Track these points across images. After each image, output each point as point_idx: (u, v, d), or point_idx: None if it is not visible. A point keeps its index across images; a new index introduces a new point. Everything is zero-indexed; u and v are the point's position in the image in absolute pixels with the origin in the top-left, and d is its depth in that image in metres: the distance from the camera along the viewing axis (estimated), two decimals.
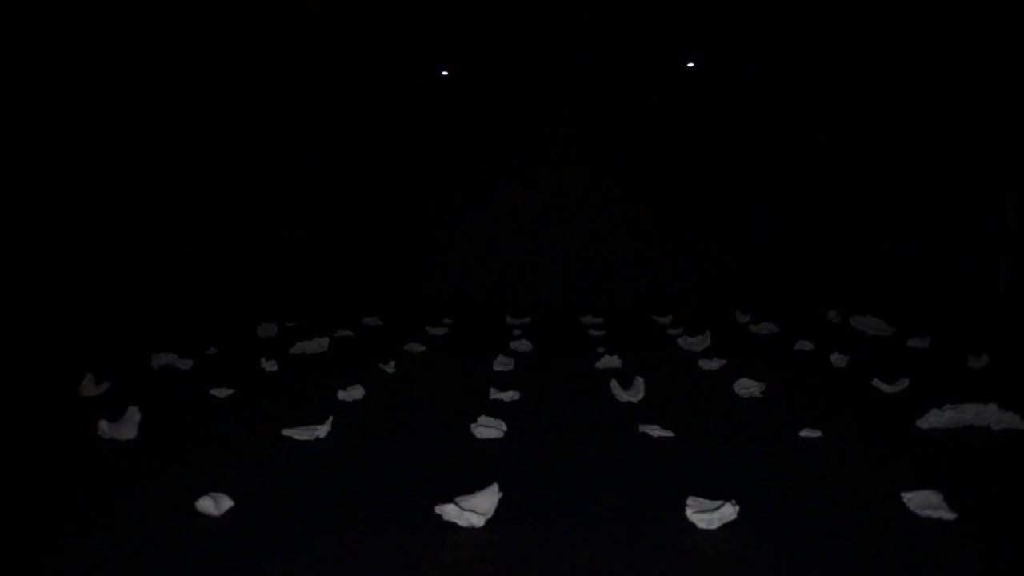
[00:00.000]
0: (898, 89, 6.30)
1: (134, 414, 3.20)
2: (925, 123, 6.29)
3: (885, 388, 3.64)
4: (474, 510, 2.15)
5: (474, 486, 2.30)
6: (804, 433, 2.96)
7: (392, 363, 4.43)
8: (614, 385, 3.64)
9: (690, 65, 6.39)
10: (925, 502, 2.20)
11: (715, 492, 2.28)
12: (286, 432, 3.07)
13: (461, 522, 2.13)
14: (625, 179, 7.03)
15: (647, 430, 3.03)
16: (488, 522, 2.15)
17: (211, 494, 2.30)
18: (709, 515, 2.09)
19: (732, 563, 1.93)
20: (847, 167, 6.69)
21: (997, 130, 5.49)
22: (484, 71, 6.85)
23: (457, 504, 2.15)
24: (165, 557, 2.01)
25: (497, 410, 3.39)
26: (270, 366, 4.44)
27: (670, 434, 2.99)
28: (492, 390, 3.69)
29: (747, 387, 3.64)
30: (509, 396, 3.62)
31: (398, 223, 7.25)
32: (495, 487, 2.22)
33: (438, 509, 2.17)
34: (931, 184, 6.33)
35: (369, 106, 7.07)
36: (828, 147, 6.73)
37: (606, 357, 4.39)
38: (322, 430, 3.06)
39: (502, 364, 4.39)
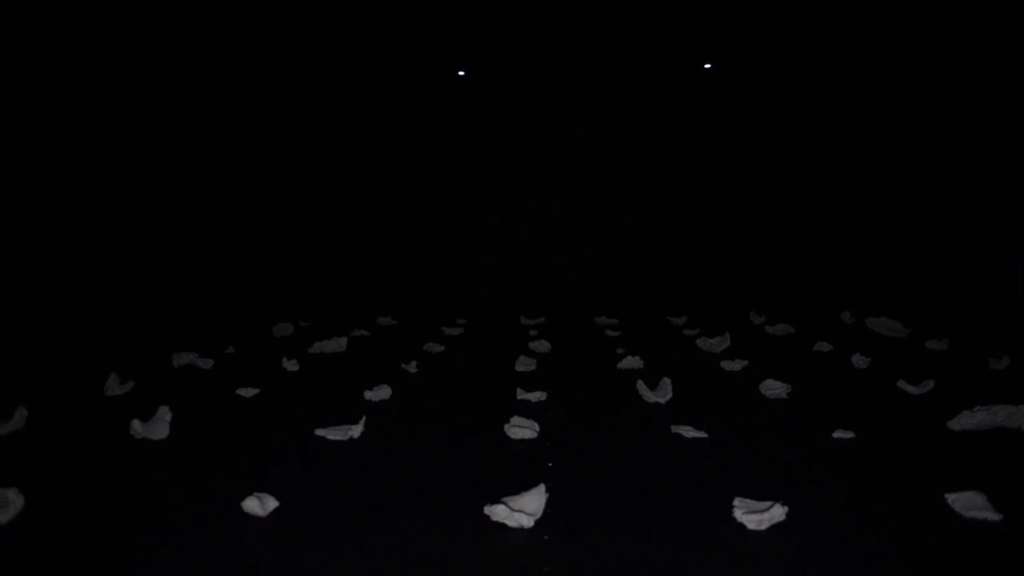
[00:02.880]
0: (914, 88, 6.31)
1: (165, 413, 3.19)
2: (941, 122, 6.30)
3: (911, 390, 3.66)
4: (523, 510, 2.15)
5: (515, 486, 2.31)
6: (837, 434, 2.97)
7: (413, 363, 4.43)
8: (641, 386, 3.64)
9: (707, 66, 6.40)
10: (970, 503, 2.21)
11: (755, 493, 2.29)
12: (319, 432, 3.07)
13: (511, 523, 2.14)
14: (637, 179, 7.03)
15: (680, 431, 3.04)
16: (537, 523, 2.16)
17: (256, 494, 2.30)
18: (759, 516, 2.10)
19: (786, 564, 1.94)
20: (859, 167, 6.70)
21: (1015, 129, 5.52)
22: (498, 71, 6.85)
23: (507, 504, 2.16)
24: (217, 558, 2.01)
25: (525, 410, 3.40)
26: (292, 365, 4.43)
27: (703, 435, 2.99)
28: (519, 390, 3.70)
29: (774, 388, 3.65)
30: (536, 397, 3.62)
31: (410, 223, 7.25)
32: (542, 487, 2.22)
33: (487, 510, 2.17)
34: (945, 183, 6.35)
35: (382, 105, 7.06)
36: (841, 147, 6.74)
37: (628, 358, 4.40)
38: (355, 430, 3.06)
39: (524, 364, 4.39)
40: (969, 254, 6.01)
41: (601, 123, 7.01)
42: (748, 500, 2.21)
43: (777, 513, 2.11)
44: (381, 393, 3.71)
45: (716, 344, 4.86)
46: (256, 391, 3.81)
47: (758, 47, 6.38)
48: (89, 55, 5.29)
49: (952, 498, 2.25)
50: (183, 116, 6.41)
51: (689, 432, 3.01)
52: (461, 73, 6.58)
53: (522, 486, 2.29)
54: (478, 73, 6.78)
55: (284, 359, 4.48)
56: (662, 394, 3.57)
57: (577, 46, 6.46)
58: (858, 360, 4.30)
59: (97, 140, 5.40)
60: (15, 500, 2.29)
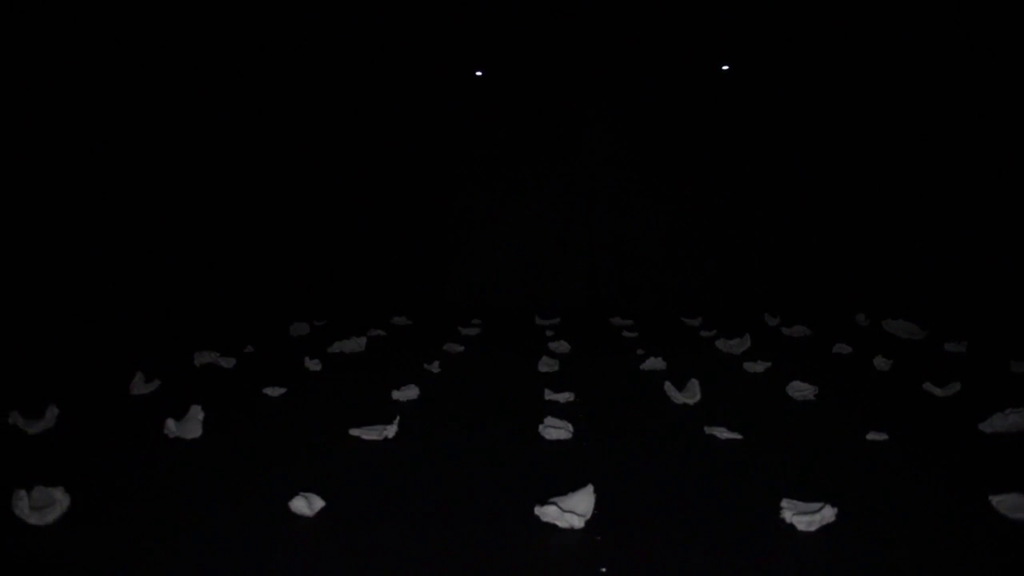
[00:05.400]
0: (931, 89, 6.33)
1: (197, 413, 3.19)
2: (956, 123, 6.31)
3: (937, 392, 3.67)
4: (573, 511, 2.16)
5: (557, 487, 2.32)
6: (871, 436, 2.98)
7: (436, 363, 4.43)
8: (669, 387, 3.65)
9: (725, 68, 6.42)
10: (1015, 504, 2.22)
11: (796, 494, 2.30)
12: (353, 432, 3.08)
13: (561, 523, 2.14)
14: (651, 180, 7.04)
15: (714, 432, 3.05)
16: (587, 523, 2.16)
17: (302, 494, 2.31)
18: (809, 517, 2.11)
19: (840, 564, 1.95)
20: (871, 168, 6.71)
21: None
22: (513, 71, 6.85)
23: (558, 505, 2.16)
24: (270, 558, 2.01)
25: (555, 411, 3.40)
26: (314, 365, 4.43)
27: (738, 436, 3.00)
28: (547, 391, 3.70)
29: (801, 390, 3.66)
30: (564, 397, 3.63)
31: (423, 223, 7.24)
32: (590, 488, 2.23)
33: (537, 510, 2.18)
34: (955, 184, 6.36)
35: (397, 105, 7.05)
36: (854, 148, 6.75)
37: (651, 359, 4.40)
38: (390, 430, 3.07)
39: (547, 365, 4.40)
40: (983, 256, 6.04)
41: (616, 124, 7.01)
42: (796, 501, 2.22)
43: (828, 514, 2.12)
44: (409, 393, 3.71)
45: (736, 346, 4.87)
46: (283, 390, 3.81)
47: (774, 49, 6.40)
48: (119, 63, 5.29)
49: (997, 500, 2.26)
50: (202, 119, 6.41)
51: (723, 433, 3.02)
52: (479, 74, 6.58)
53: (563, 487, 2.31)
54: (493, 73, 6.78)
55: (307, 358, 4.48)
56: (690, 395, 3.58)
57: (593, 47, 6.48)
58: (880, 362, 4.31)
59: (120, 146, 5.41)
60: (61, 499, 2.29)
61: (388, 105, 7.03)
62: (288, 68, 6.66)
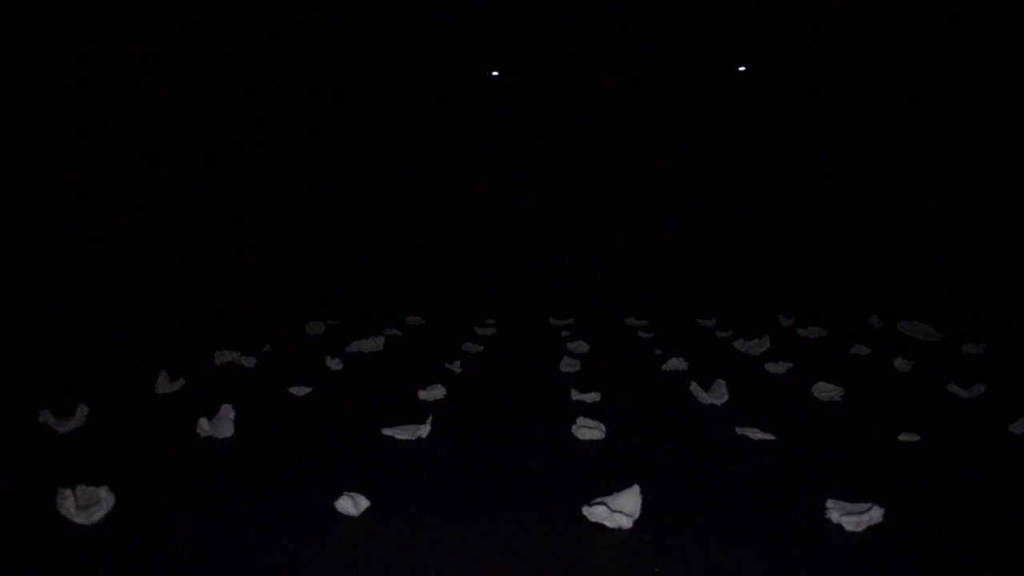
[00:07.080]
0: (944, 90, 6.35)
1: (228, 412, 3.19)
2: (967, 123, 6.34)
3: (962, 393, 3.69)
4: (621, 511, 2.17)
5: (598, 487, 2.33)
6: (903, 437, 2.99)
7: (457, 363, 4.44)
8: (695, 387, 3.66)
9: (741, 69, 6.43)
10: None
11: (837, 494, 2.31)
12: (387, 432, 3.08)
13: (609, 523, 2.15)
14: (664, 180, 7.05)
15: (746, 433, 3.06)
16: (635, 523, 2.17)
17: (347, 494, 2.31)
18: (857, 517, 2.13)
19: (894, 565, 1.96)
20: (883, 169, 6.73)
21: None
22: (525, 72, 6.86)
23: (606, 505, 2.17)
24: (319, 558, 2.02)
25: (583, 411, 3.41)
26: (335, 364, 4.43)
27: (770, 437, 3.01)
28: (573, 391, 3.71)
29: (827, 391, 3.67)
30: (591, 398, 3.64)
31: (436, 223, 7.24)
32: (636, 488, 2.24)
33: (585, 510, 2.19)
34: (972, 183, 6.38)
35: (410, 106, 7.05)
36: (865, 149, 6.77)
37: (672, 359, 4.41)
38: (423, 430, 3.07)
39: (568, 365, 4.40)
40: (997, 257, 6.06)
41: (630, 123, 7.02)
42: (842, 502, 2.23)
43: (876, 515, 2.13)
44: (435, 393, 3.71)
45: (755, 346, 4.88)
46: (308, 390, 3.81)
47: (787, 51, 6.42)
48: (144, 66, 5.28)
49: None
50: (218, 122, 6.39)
51: (756, 434, 3.03)
52: (495, 73, 6.58)
53: (603, 487, 2.32)
54: (508, 73, 6.79)
55: (328, 358, 4.47)
56: (717, 396, 3.59)
57: (605, 47, 6.48)
58: (901, 364, 4.33)
59: (141, 150, 5.42)
60: (106, 499, 2.29)
61: (402, 105, 7.03)
62: (301, 68, 6.65)
